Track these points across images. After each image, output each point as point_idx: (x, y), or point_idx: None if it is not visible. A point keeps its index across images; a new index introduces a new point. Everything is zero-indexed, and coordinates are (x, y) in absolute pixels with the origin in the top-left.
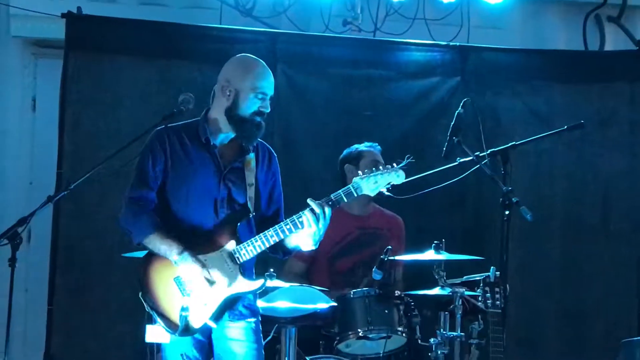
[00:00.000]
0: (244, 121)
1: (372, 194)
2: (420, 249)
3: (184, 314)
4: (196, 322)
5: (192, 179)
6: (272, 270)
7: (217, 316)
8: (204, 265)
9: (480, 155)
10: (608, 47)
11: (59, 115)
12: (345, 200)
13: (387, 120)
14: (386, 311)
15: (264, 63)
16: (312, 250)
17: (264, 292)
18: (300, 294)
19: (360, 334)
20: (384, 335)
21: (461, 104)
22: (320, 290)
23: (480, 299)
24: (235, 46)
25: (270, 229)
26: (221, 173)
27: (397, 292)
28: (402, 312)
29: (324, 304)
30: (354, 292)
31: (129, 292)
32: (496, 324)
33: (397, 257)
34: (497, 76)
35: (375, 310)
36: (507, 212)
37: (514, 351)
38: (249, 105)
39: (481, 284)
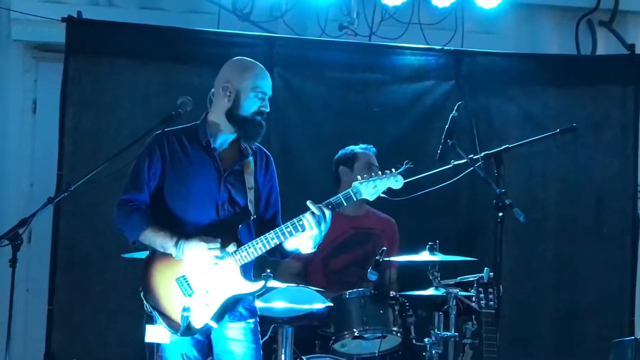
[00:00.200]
0: (245, 121)
1: (371, 199)
2: (415, 250)
3: (185, 314)
4: (198, 323)
5: (192, 181)
6: (268, 271)
7: (219, 317)
8: (207, 240)
9: (474, 157)
10: (600, 51)
11: (59, 118)
12: (345, 204)
13: (383, 123)
14: (381, 311)
15: (261, 65)
16: None
17: (261, 293)
18: (297, 294)
19: (355, 334)
20: (379, 335)
21: (455, 108)
22: (316, 290)
23: (474, 299)
24: (233, 50)
25: (271, 231)
26: (221, 176)
27: (392, 293)
28: (397, 312)
29: (320, 304)
30: (349, 292)
31: (128, 291)
32: (490, 324)
33: (392, 258)
34: (491, 80)
35: (371, 310)
36: (500, 214)
37: (507, 351)
38: (250, 105)
39: (475, 285)
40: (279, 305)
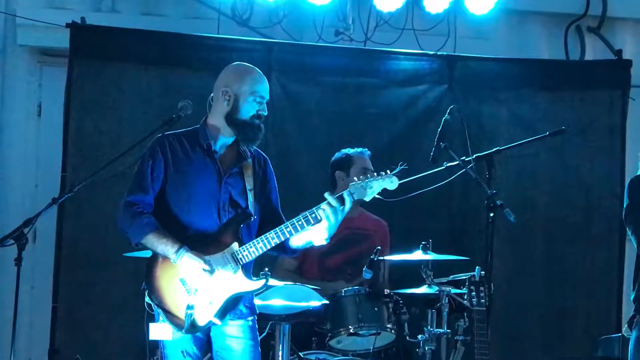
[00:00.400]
0: (244, 124)
1: (367, 199)
2: (409, 249)
3: (189, 312)
4: (201, 320)
5: (194, 182)
6: (267, 269)
7: (222, 314)
8: (203, 259)
9: (466, 159)
10: (588, 56)
11: (63, 121)
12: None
13: (377, 126)
14: (376, 309)
15: (258, 69)
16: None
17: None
18: (294, 292)
19: (351, 331)
20: (374, 331)
21: (448, 111)
22: (312, 288)
23: (465, 297)
24: (231, 55)
25: (278, 227)
26: (222, 178)
27: (386, 291)
28: (391, 309)
29: (316, 302)
30: (345, 290)
31: (130, 289)
32: (481, 321)
33: (387, 257)
34: (483, 84)
35: (366, 308)
36: (491, 214)
37: (498, 347)
38: (249, 109)
39: (467, 283)
40: (276, 303)
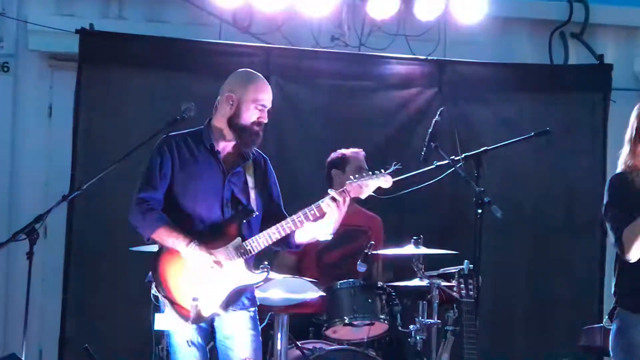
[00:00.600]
0: (244, 129)
1: (363, 197)
2: (401, 244)
3: (195, 303)
4: (206, 311)
5: (200, 179)
6: (266, 263)
7: (226, 305)
8: (211, 255)
9: (456, 159)
10: (571, 61)
11: (72, 122)
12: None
13: (371, 127)
14: (369, 300)
15: (264, 78)
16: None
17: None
18: (292, 284)
19: (346, 321)
20: (368, 322)
21: (438, 113)
22: (310, 281)
23: (455, 289)
24: (232, 59)
25: (281, 222)
26: (225, 176)
27: (380, 283)
28: (384, 301)
29: (313, 294)
30: (340, 283)
31: (136, 282)
32: (470, 312)
33: (380, 252)
34: (471, 87)
35: (360, 299)
36: (479, 211)
37: (485, 337)
38: (249, 115)
39: (456, 276)
40: (275, 294)
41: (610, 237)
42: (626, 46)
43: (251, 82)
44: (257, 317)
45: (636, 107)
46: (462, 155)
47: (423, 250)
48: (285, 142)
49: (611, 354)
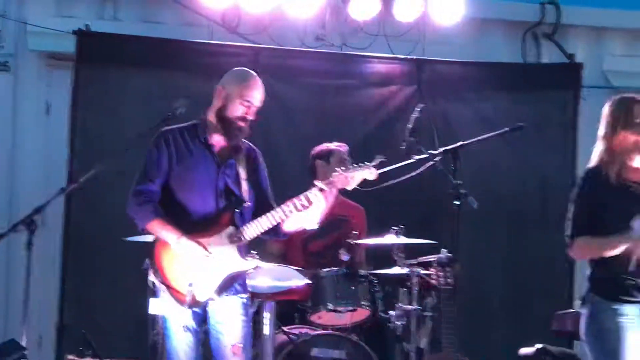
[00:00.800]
0: (228, 122)
1: (349, 188)
2: (382, 234)
3: (190, 288)
4: (201, 296)
5: (195, 171)
6: (254, 252)
7: (220, 291)
8: (202, 245)
9: (434, 153)
10: (544, 60)
11: (70, 119)
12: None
13: (353, 122)
14: (352, 287)
15: (258, 79)
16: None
17: None
18: (279, 273)
19: (330, 307)
20: (351, 308)
21: (417, 109)
22: (295, 269)
23: (433, 277)
24: (222, 59)
25: (270, 212)
26: (218, 168)
27: (362, 271)
28: (366, 288)
29: (299, 282)
30: (324, 271)
31: (131, 271)
32: (448, 299)
33: (362, 241)
34: (449, 85)
35: (343, 287)
36: (457, 202)
37: (463, 322)
38: (235, 109)
39: (435, 264)
40: (263, 282)
41: (566, 228)
42: (595, 46)
43: (242, 79)
44: (249, 304)
45: (607, 105)
46: (440, 150)
47: (403, 239)
48: (272, 136)
49: (583, 337)
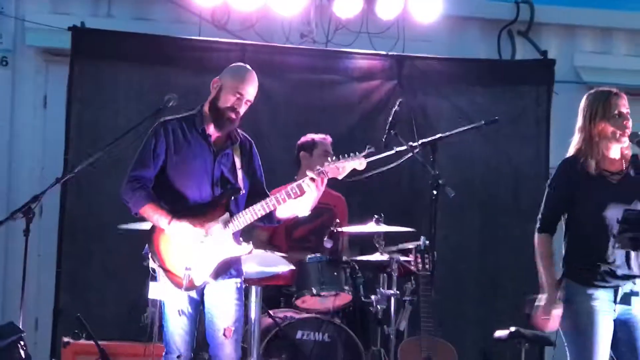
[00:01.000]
0: (218, 112)
1: (340, 178)
2: (364, 222)
3: (187, 272)
4: (198, 280)
5: (192, 161)
6: (241, 239)
7: (215, 275)
8: (193, 224)
9: (413, 145)
10: (518, 56)
11: (65, 111)
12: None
13: (337, 116)
14: (335, 273)
15: (253, 74)
16: None
17: None
18: (265, 259)
19: (314, 292)
20: (334, 293)
21: (397, 103)
22: (281, 256)
23: (412, 263)
24: (211, 55)
25: (264, 200)
26: (215, 157)
27: (344, 258)
28: (348, 274)
29: (284, 267)
30: (308, 257)
31: (123, 256)
32: (426, 284)
33: (345, 229)
34: (427, 80)
35: (327, 272)
36: (435, 192)
37: (440, 306)
38: (225, 100)
39: (413, 251)
40: (250, 268)
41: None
42: (567, 43)
43: (236, 72)
44: (243, 288)
45: (585, 97)
46: (419, 142)
47: (383, 227)
48: (259, 129)
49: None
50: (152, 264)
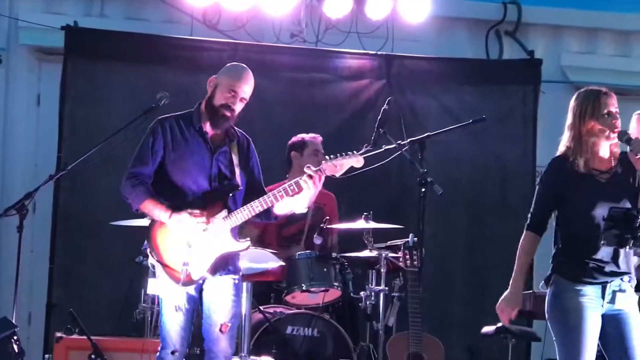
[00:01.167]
0: (213, 110)
1: (338, 175)
2: (353, 219)
3: (185, 267)
4: (195, 275)
5: (190, 159)
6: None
7: (213, 270)
8: (194, 215)
9: (402, 143)
10: (505, 56)
11: (59, 109)
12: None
13: (327, 114)
14: (325, 269)
15: (249, 73)
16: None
17: None
18: (256, 255)
19: (303, 288)
20: (323, 289)
21: (386, 102)
22: (271, 252)
23: (401, 260)
24: (203, 54)
25: (262, 197)
26: (212, 154)
27: (334, 254)
28: (337, 270)
29: (274, 264)
30: (298, 254)
31: (116, 252)
32: (414, 280)
33: (334, 226)
34: (416, 79)
35: (316, 268)
36: (423, 190)
37: (428, 302)
38: (220, 98)
39: (402, 248)
40: (240, 264)
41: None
42: (554, 43)
43: (232, 70)
44: (240, 284)
45: (575, 96)
46: (408, 140)
47: (372, 224)
48: (251, 127)
49: (547, 315)
50: (150, 260)
